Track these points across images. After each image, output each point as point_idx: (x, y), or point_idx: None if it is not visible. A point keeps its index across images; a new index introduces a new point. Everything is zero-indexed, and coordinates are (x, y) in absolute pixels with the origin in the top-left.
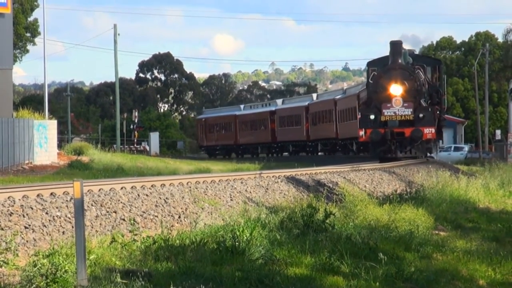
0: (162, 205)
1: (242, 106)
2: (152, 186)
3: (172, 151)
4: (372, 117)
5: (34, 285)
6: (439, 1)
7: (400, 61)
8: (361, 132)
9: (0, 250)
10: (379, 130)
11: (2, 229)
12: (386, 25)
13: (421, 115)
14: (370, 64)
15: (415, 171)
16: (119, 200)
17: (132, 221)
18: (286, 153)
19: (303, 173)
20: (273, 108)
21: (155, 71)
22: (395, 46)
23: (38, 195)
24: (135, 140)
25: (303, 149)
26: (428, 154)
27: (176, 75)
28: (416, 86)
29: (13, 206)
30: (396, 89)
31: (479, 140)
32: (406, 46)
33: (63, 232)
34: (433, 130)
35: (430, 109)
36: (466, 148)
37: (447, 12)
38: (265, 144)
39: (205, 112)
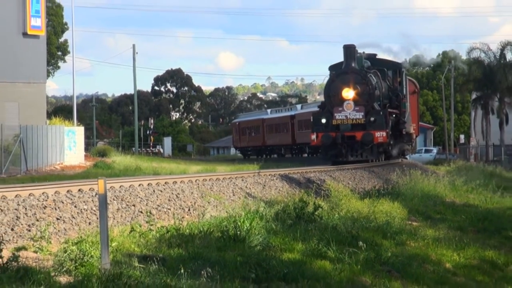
0: (174, 200)
1: (269, 110)
2: (165, 183)
3: (183, 153)
4: (323, 121)
5: (64, 269)
6: (413, 25)
7: (353, 65)
8: (313, 136)
9: (36, 238)
10: (330, 134)
11: (37, 220)
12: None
13: (372, 119)
14: (331, 68)
15: (391, 170)
16: (137, 195)
17: (148, 213)
18: (305, 154)
19: (295, 172)
20: (293, 113)
21: (168, 85)
22: (348, 50)
23: (68, 191)
24: (151, 144)
25: (317, 151)
26: (404, 155)
27: (186, 88)
28: (369, 90)
29: (46, 200)
30: (347, 93)
31: (446, 143)
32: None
33: (89, 223)
34: (384, 133)
35: (381, 113)
36: (435, 150)
37: (419, 33)
38: (287, 146)
39: (239, 116)
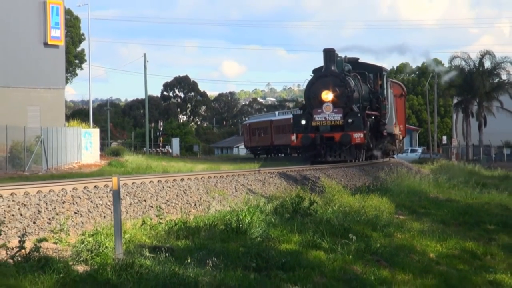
0: (182, 195)
1: (277, 112)
2: (173, 180)
3: (189, 153)
4: (303, 122)
5: (82, 258)
6: (399, 35)
7: (333, 68)
8: (293, 137)
9: (56, 230)
10: (310, 135)
11: (57, 214)
12: (358, 53)
13: (350, 121)
14: (314, 71)
15: (380, 168)
16: (148, 191)
17: (158, 208)
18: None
19: (292, 170)
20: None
21: (176, 90)
22: (328, 54)
23: (84, 187)
24: (161, 144)
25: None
26: (391, 154)
27: (192, 93)
28: (347, 92)
29: (65, 196)
30: (327, 95)
31: (430, 144)
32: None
33: (104, 217)
34: (361, 134)
35: (359, 115)
36: (420, 150)
37: (405, 43)
38: (292, 146)
39: (250, 118)
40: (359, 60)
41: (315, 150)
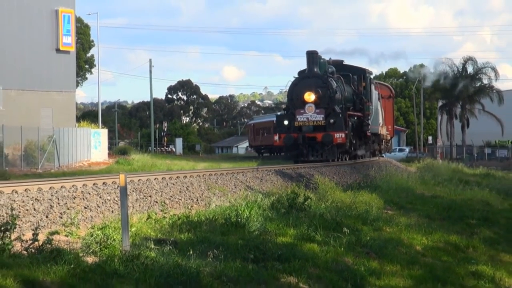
0: (185, 191)
1: (279, 113)
2: (177, 177)
3: (192, 152)
4: (285, 122)
5: (91, 250)
6: (388, 42)
7: (315, 70)
8: (276, 137)
9: (67, 224)
10: (292, 135)
11: (68, 209)
12: (349, 58)
13: (332, 121)
14: (299, 73)
15: (370, 167)
16: (153, 188)
17: (162, 203)
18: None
19: (288, 167)
20: None
21: (179, 93)
22: (311, 56)
23: (94, 184)
24: (165, 144)
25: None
26: (380, 154)
27: (194, 96)
28: (329, 93)
29: (76, 192)
30: (309, 96)
31: (416, 143)
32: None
33: (112, 211)
34: (343, 135)
35: (341, 115)
36: (407, 149)
37: (394, 50)
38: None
39: (254, 118)
40: (343, 63)
41: (297, 150)
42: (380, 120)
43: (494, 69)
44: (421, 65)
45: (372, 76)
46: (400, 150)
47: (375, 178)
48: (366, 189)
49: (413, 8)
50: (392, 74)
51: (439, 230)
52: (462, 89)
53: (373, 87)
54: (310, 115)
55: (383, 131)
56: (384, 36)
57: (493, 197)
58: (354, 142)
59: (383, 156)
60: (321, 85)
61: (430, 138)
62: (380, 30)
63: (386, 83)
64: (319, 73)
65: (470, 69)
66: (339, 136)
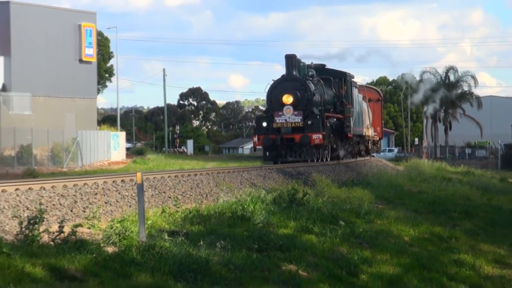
0: (195, 188)
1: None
2: (188, 175)
3: (201, 152)
4: (264, 124)
5: (111, 241)
6: (380, 53)
7: (294, 73)
8: (255, 138)
9: (89, 217)
10: (271, 136)
11: (90, 203)
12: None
13: (309, 122)
14: (282, 76)
15: (363, 165)
16: (166, 185)
17: (175, 199)
18: None
19: (288, 166)
20: None
21: (190, 99)
22: (289, 59)
23: (113, 181)
24: (177, 145)
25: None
26: (371, 153)
27: (204, 102)
28: (307, 95)
29: (97, 188)
30: (287, 99)
31: (404, 144)
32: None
33: (130, 206)
34: (320, 136)
35: (318, 117)
36: (396, 150)
37: (384, 60)
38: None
39: None
40: (325, 67)
41: (276, 151)
42: (367, 122)
43: (473, 77)
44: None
45: (353, 80)
46: (390, 151)
47: (367, 175)
48: (359, 186)
49: (402, 22)
50: (382, 81)
51: (425, 222)
52: (445, 95)
53: (355, 90)
54: (288, 116)
55: (369, 132)
56: (375, 47)
57: (473, 193)
58: (334, 143)
59: (373, 156)
60: (299, 88)
61: (416, 139)
62: (371, 41)
63: (374, 87)
64: (297, 76)
65: (452, 77)
66: (317, 137)
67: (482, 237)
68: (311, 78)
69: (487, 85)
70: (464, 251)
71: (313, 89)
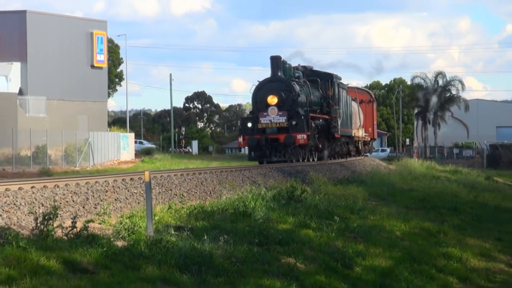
0: (200, 186)
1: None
2: (193, 174)
3: (206, 152)
4: (249, 125)
5: (120, 235)
6: (372, 59)
7: (279, 74)
8: (240, 139)
9: (100, 213)
10: (255, 136)
11: (101, 200)
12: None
13: (294, 123)
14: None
15: (357, 164)
16: (173, 183)
17: (181, 196)
18: None
19: (287, 165)
20: None
21: (195, 102)
22: (274, 60)
23: (123, 179)
24: (183, 146)
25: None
26: (364, 153)
27: (208, 105)
28: (292, 96)
29: (108, 186)
30: (272, 99)
31: (396, 145)
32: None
33: (138, 203)
34: (305, 136)
35: (303, 117)
36: (388, 150)
37: (377, 65)
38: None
39: None
40: (313, 68)
41: (261, 151)
42: (358, 123)
43: (461, 82)
44: (400, 79)
45: (341, 81)
46: (383, 151)
47: (361, 174)
48: (353, 184)
49: (394, 30)
50: (375, 86)
51: (415, 218)
52: (434, 99)
53: (342, 91)
54: (273, 117)
55: (359, 133)
56: (369, 54)
57: (461, 190)
58: (321, 143)
59: (367, 156)
60: (284, 89)
61: (407, 140)
62: (365, 48)
63: (366, 89)
64: (282, 77)
65: (441, 82)
66: (301, 137)
67: (468, 231)
68: (297, 79)
69: (474, 89)
70: (452, 245)
71: (298, 90)
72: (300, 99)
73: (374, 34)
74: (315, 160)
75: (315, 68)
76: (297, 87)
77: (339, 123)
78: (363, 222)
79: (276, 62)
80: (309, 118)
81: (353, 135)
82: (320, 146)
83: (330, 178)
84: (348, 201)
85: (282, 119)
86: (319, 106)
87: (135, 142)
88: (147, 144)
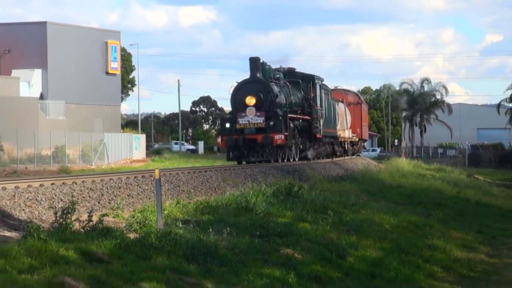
0: (205, 183)
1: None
2: (199, 172)
3: (211, 152)
4: (227, 125)
5: (133, 228)
6: (363, 67)
7: (258, 75)
8: (219, 139)
9: (114, 208)
10: (233, 137)
11: (115, 196)
12: (336, 81)
13: (271, 123)
14: None
15: (350, 163)
16: (180, 180)
17: (188, 192)
18: None
19: (285, 164)
20: None
21: (201, 106)
22: (253, 61)
23: (135, 177)
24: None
25: None
26: (356, 152)
27: (213, 109)
28: (270, 97)
29: (121, 183)
30: (250, 100)
31: (386, 145)
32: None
33: (149, 198)
34: (282, 136)
35: (281, 118)
36: (378, 150)
37: (368, 72)
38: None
39: None
40: (295, 70)
41: (239, 151)
42: (345, 124)
43: (445, 87)
44: (389, 85)
45: (323, 83)
46: (373, 150)
47: (354, 172)
48: (346, 181)
49: (383, 39)
50: (366, 91)
51: (403, 212)
52: (421, 103)
53: (324, 92)
54: (251, 118)
55: (346, 133)
56: (361, 61)
57: (445, 187)
58: (302, 143)
59: (359, 155)
60: (262, 90)
61: (396, 141)
62: (357, 57)
63: (354, 91)
64: (261, 78)
65: (426, 88)
66: (279, 137)
67: (452, 225)
68: (276, 81)
69: (457, 94)
70: (436, 237)
71: (277, 91)
72: (279, 99)
73: (366, 44)
74: (297, 160)
75: (297, 70)
76: (275, 88)
77: (321, 123)
78: (355, 216)
79: (255, 63)
80: (287, 118)
81: (338, 135)
82: (301, 146)
83: (325, 175)
84: (342, 196)
85: (260, 120)
86: (300, 107)
87: (175, 143)
88: (188, 146)
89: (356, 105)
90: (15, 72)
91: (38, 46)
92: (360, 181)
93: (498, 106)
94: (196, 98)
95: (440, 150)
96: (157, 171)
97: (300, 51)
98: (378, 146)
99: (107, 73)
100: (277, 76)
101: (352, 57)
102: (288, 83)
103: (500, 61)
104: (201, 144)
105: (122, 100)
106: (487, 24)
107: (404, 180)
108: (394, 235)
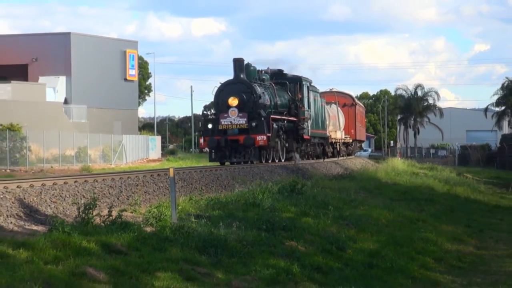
0: (216, 180)
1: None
2: (210, 170)
3: None
4: (209, 126)
5: (149, 222)
6: (361, 74)
7: (242, 76)
8: (201, 140)
9: (132, 204)
10: (215, 137)
11: (133, 193)
12: (337, 87)
13: (254, 124)
14: None
15: (349, 162)
16: (193, 178)
17: (200, 189)
18: None
19: (290, 164)
20: None
21: (212, 110)
22: (237, 62)
23: (151, 175)
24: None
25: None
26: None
27: None
28: (253, 98)
29: (138, 180)
30: (233, 101)
31: (382, 146)
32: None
33: (164, 195)
34: (264, 137)
35: (263, 119)
36: (370, 150)
37: (366, 79)
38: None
39: None
40: (283, 72)
41: (221, 152)
42: (337, 125)
43: (436, 93)
44: (385, 90)
45: (312, 84)
46: (365, 151)
47: (352, 171)
48: (346, 179)
49: (380, 48)
50: (364, 96)
51: (398, 208)
52: (414, 107)
53: (312, 94)
54: (234, 118)
55: (337, 135)
56: (359, 69)
57: (436, 184)
58: (288, 144)
59: (358, 156)
60: (245, 91)
61: (391, 142)
62: (356, 64)
63: (348, 93)
64: (244, 79)
65: (419, 93)
66: (261, 138)
67: (443, 219)
68: (261, 82)
69: (447, 99)
70: (429, 230)
71: (260, 92)
72: (262, 100)
73: (364, 52)
74: (283, 161)
75: (285, 72)
76: (258, 89)
77: (309, 124)
78: (354, 211)
79: (239, 64)
80: (270, 119)
81: (328, 136)
82: (288, 146)
83: (326, 174)
84: (342, 193)
85: (243, 121)
86: (286, 108)
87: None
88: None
89: (350, 106)
90: (41, 79)
91: (62, 55)
92: (359, 179)
93: (486, 110)
94: (207, 103)
95: (432, 151)
96: (171, 170)
97: (303, 59)
98: (376, 147)
99: (125, 79)
100: (263, 77)
101: (351, 65)
102: (274, 85)
103: (487, 69)
104: None
105: (139, 105)
106: (476, 34)
107: (399, 178)
108: (389, 229)
